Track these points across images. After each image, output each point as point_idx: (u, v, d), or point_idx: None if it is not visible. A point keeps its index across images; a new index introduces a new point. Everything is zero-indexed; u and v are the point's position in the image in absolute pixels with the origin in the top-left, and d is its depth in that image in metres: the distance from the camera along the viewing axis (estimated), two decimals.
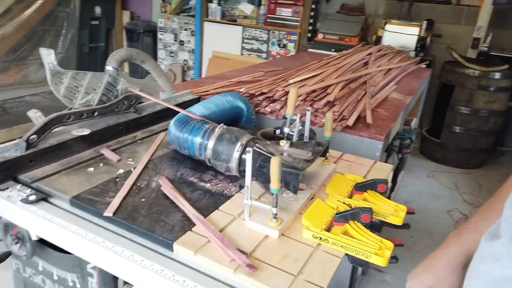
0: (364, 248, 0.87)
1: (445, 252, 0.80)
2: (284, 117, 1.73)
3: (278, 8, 5.23)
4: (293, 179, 0.99)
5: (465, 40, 4.65)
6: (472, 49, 4.29)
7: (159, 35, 6.27)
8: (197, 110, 1.36)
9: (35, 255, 1.23)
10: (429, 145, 4.19)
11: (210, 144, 1.16)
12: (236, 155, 1.12)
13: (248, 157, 0.92)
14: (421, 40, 4.26)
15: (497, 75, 3.68)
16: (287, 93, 1.77)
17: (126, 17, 6.71)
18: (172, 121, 1.29)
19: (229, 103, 1.50)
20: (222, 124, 1.20)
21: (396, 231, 1.15)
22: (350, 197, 1.10)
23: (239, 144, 1.12)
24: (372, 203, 1.07)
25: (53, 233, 0.94)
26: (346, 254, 0.89)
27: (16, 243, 1.15)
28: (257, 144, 1.11)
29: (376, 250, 0.87)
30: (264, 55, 5.41)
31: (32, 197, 1.00)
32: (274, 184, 0.90)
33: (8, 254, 1.21)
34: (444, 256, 0.80)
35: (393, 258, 0.90)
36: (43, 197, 1.01)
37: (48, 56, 1.16)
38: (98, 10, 6.26)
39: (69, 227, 0.92)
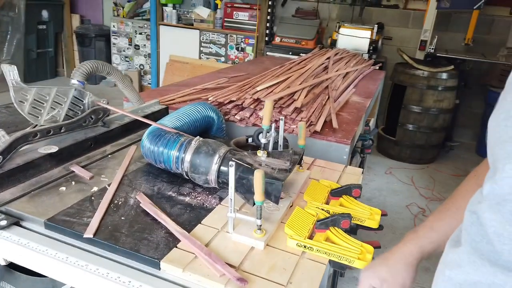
0: (346, 254, 0.91)
1: (402, 248, 0.85)
2: (254, 125, 1.75)
3: (234, 12, 5.25)
4: (274, 190, 1.01)
5: (413, 42, 4.91)
6: (419, 50, 4.53)
7: (113, 40, 6.08)
8: (169, 122, 1.34)
9: (2, 280, 1.17)
10: (385, 143, 4.38)
11: (187, 157, 1.15)
12: (214, 167, 1.12)
13: (231, 171, 0.93)
14: (373, 42, 4.45)
15: (444, 76, 3.93)
16: (255, 100, 1.80)
17: (75, 21, 6.46)
18: (145, 135, 1.27)
19: (199, 113, 1.49)
20: (198, 137, 1.20)
21: (368, 232, 1.20)
22: (327, 203, 1.14)
23: (217, 156, 1.12)
24: (348, 208, 1.11)
25: (30, 259, 0.90)
26: (329, 260, 0.93)
27: None
28: (236, 156, 1.12)
29: (358, 255, 0.91)
30: (222, 58, 5.41)
31: (3, 222, 0.95)
32: (258, 196, 0.91)
33: None
34: (400, 251, 0.85)
35: None
36: (15, 221, 0.96)
37: (11, 72, 1.10)
38: (45, 14, 5.98)
39: (47, 251, 0.89)
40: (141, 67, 6.05)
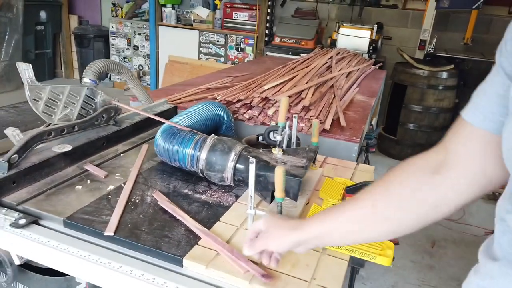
0: (368, 250, 0.91)
1: (289, 224, 0.79)
2: (262, 123, 1.76)
3: (234, 12, 5.25)
4: (293, 186, 1.01)
5: (412, 42, 4.93)
6: (419, 50, 4.56)
7: (111, 40, 6.06)
8: (181, 120, 1.34)
9: (15, 280, 1.16)
10: (386, 143, 4.40)
11: (203, 155, 1.15)
12: (230, 165, 1.12)
13: (251, 168, 0.93)
14: (373, 42, 4.46)
15: (444, 75, 3.95)
16: (263, 99, 1.80)
17: (73, 21, 6.43)
18: (158, 133, 1.27)
19: (210, 111, 1.49)
20: (213, 135, 1.20)
21: None
22: (343, 200, 1.14)
23: (233, 154, 1.13)
24: None
25: (51, 257, 0.89)
26: (350, 256, 0.93)
27: None
28: (251, 154, 1.12)
29: (379, 251, 0.91)
30: (222, 59, 5.40)
31: (22, 221, 0.94)
32: (279, 193, 0.91)
33: None
34: (286, 225, 0.79)
35: None
36: (34, 220, 0.96)
37: (26, 71, 1.10)
38: (43, 15, 5.95)
39: (69, 249, 0.88)
40: (140, 68, 6.03)
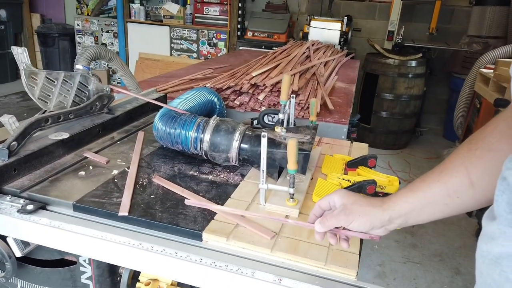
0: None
1: (370, 201, 0.74)
2: (253, 110, 1.77)
3: (205, 7, 5.22)
4: (301, 160, 1.03)
5: (380, 33, 5.09)
6: (387, 41, 4.71)
7: (77, 39, 5.88)
8: (179, 105, 1.34)
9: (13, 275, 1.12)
10: (360, 131, 4.51)
11: (207, 136, 1.16)
12: (235, 144, 1.13)
13: (263, 141, 0.94)
14: (343, 34, 4.57)
15: (414, 63, 4.11)
16: (253, 85, 1.81)
17: (36, 20, 6.18)
18: (157, 118, 1.25)
19: (204, 97, 1.49)
20: (215, 116, 1.21)
21: None
22: (345, 174, 1.18)
23: (237, 133, 1.14)
24: (366, 177, 1.16)
25: (64, 240, 0.87)
26: None
27: None
28: (256, 132, 1.14)
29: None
30: (194, 54, 5.36)
31: (30, 207, 0.91)
32: (292, 165, 0.94)
33: None
34: (371, 203, 0.74)
35: None
36: (42, 206, 0.93)
37: (21, 55, 1.06)
38: (3, 13, 5.70)
39: (84, 231, 0.87)
40: (109, 66, 5.88)
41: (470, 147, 0.68)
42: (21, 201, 0.94)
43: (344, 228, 0.76)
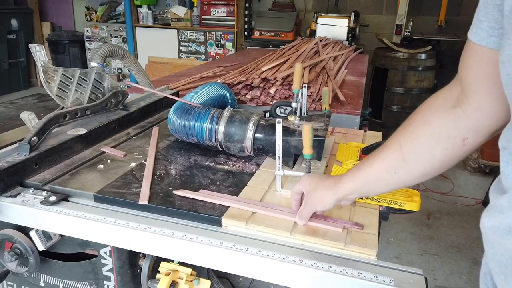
0: (396, 198, 0.95)
1: (325, 185, 0.82)
2: (264, 104, 1.78)
3: (211, 9, 5.25)
4: (317, 146, 1.04)
5: (388, 28, 5.07)
6: (396, 35, 4.68)
7: (87, 45, 5.96)
8: (191, 99, 1.35)
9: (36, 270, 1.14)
10: (371, 126, 4.49)
11: (221, 127, 1.17)
12: (250, 134, 1.14)
13: (278, 127, 0.95)
14: (351, 30, 4.55)
15: (423, 56, 4.08)
16: (263, 80, 1.82)
17: (46, 28, 6.28)
18: (171, 111, 1.27)
19: (216, 91, 1.50)
20: (229, 107, 1.22)
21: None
22: (360, 160, 1.18)
23: (251, 123, 1.15)
24: None
25: (88, 229, 0.89)
26: (379, 206, 0.96)
27: (16, 259, 1.06)
28: (269, 121, 1.15)
29: (406, 198, 0.95)
30: (203, 56, 5.40)
31: (52, 198, 0.94)
32: (307, 150, 0.94)
33: (6, 273, 1.11)
34: (322, 186, 0.82)
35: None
36: (63, 197, 0.96)
37: (39, 53, 1.09)
38: (14, 23, 5.79)
39: (106, 219, 0.88)
40: (119, 71, 5.95)
41: (406, 123, 0.72)
42: (44, 193, 0.96)
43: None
